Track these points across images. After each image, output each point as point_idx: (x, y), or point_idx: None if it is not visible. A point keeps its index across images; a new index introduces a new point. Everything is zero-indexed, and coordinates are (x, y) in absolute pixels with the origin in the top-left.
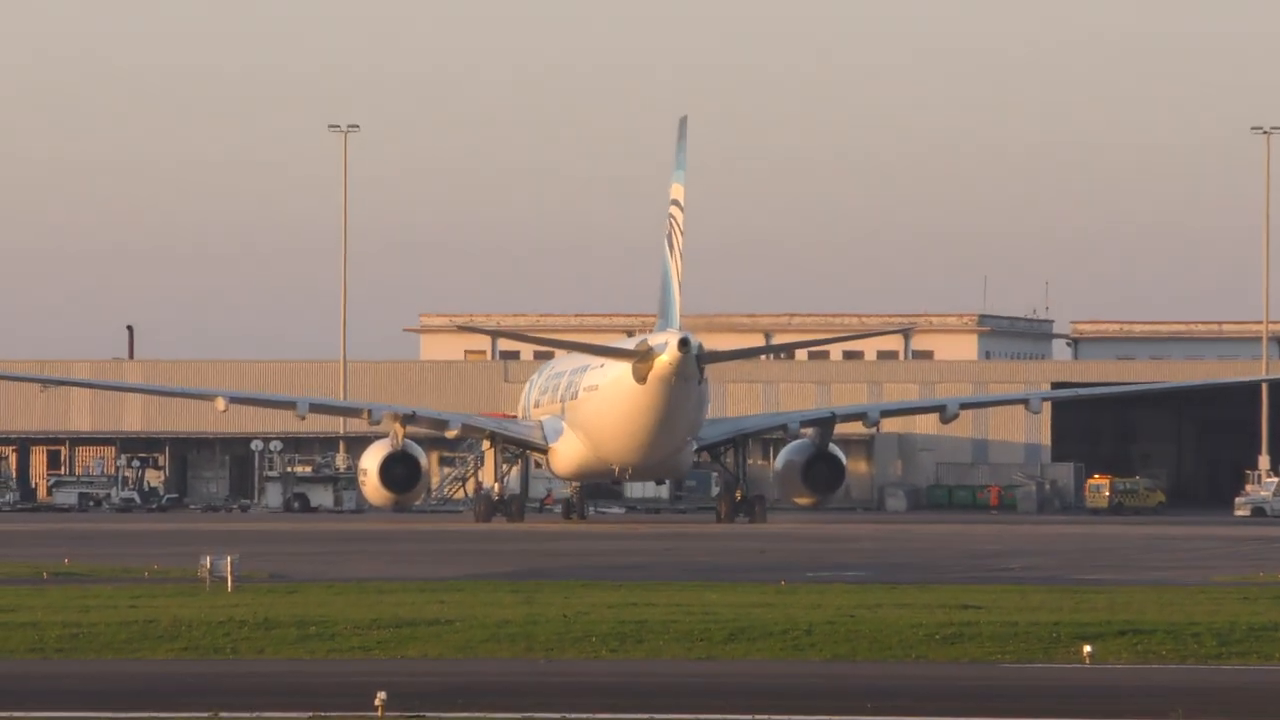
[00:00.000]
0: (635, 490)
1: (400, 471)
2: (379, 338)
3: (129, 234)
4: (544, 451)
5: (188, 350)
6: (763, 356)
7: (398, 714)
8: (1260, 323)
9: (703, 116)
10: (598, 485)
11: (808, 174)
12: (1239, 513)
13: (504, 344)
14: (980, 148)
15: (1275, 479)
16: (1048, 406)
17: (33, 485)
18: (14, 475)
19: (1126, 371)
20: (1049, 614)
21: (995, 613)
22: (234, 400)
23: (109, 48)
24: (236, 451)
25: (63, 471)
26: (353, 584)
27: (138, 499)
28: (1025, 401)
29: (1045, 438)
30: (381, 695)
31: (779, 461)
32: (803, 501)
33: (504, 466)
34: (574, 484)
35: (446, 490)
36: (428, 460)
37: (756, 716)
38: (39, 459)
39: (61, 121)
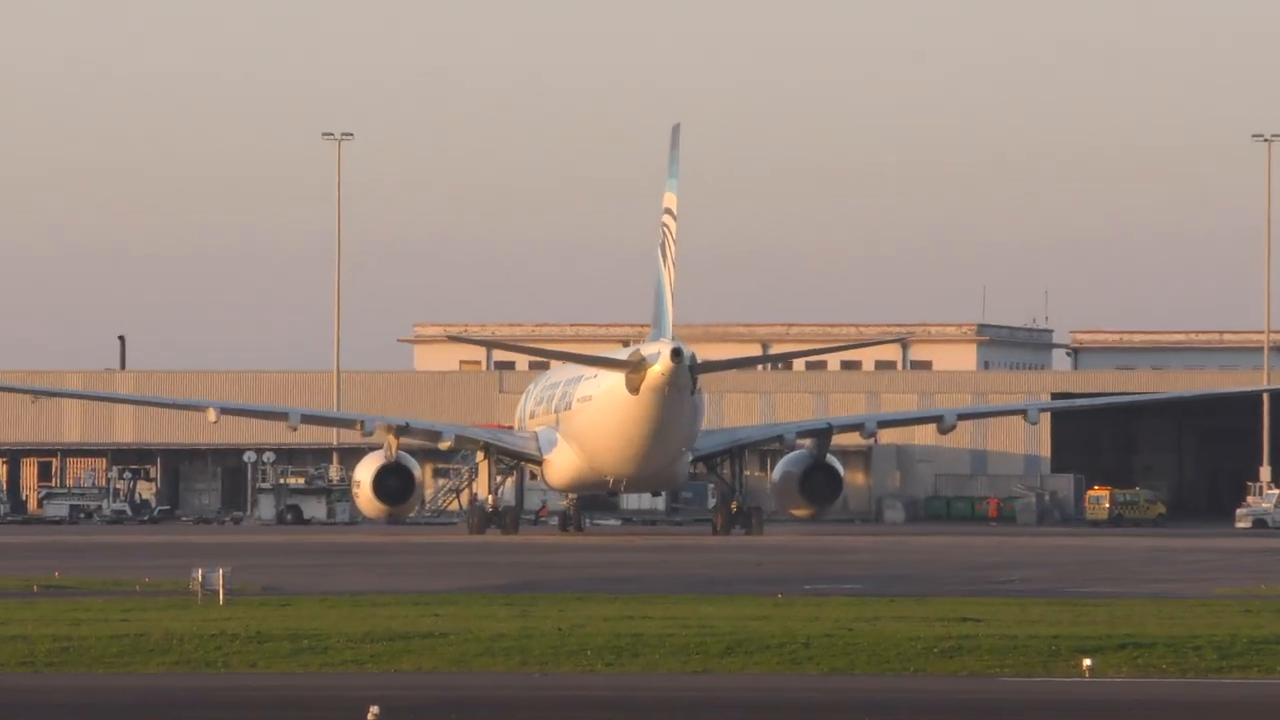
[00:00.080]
0: (631, 502)
1: (394, 483)
2: (373, 348)
3: (121, 243)
4: (539, 463)
5: (180, 361)
6: (760, 367)
7: None
8: (1261, 332)
9: (701, 125)
10: (593, 497)
11: (805, 183)
12: (1240, 524)
13: (499, 354)
14: (979, 156)
15: (1277, 491)
16: (1047, 417)
17: (23, 497)
18: (4, 487)
19: (1127, 382)
20: (1048, 627)
21: (994, 626)
22: (225, 411)
23: (101, 54)
24: (229, 463)
25: (53, 483)
26: (346, 597)
27: (129, 511)
28: (1023, 412)
29: (1045, 449)
30: (375, 709)
31: (776, 473)
32: (800, 513)
33: (498, 478)
34: (570, 496)
35: (441, 502)
36: (422, 472)
37: None
38: (30, 471)
39: (53, 128)
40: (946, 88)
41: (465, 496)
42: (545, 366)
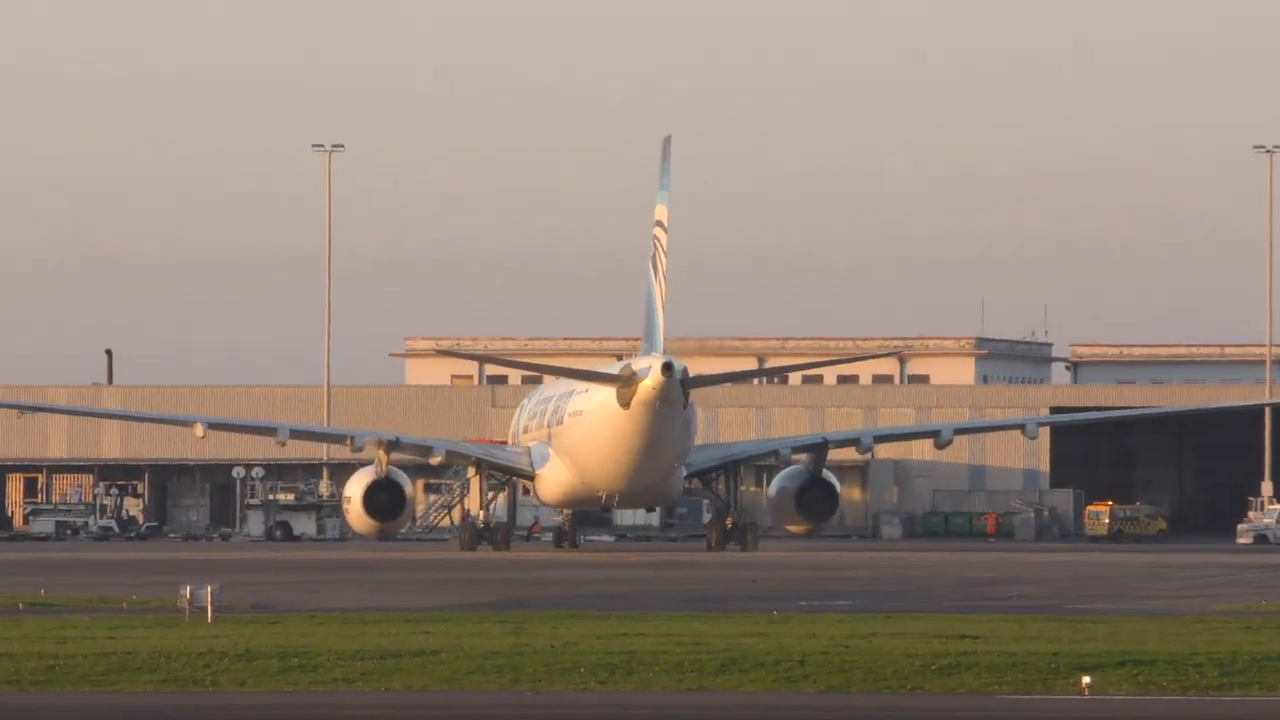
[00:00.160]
0: (625, 518)
1: (384, 499)
2: (364, 362)
3: (109, 256)
4: (531, 478)
5: (168, 375)
6: (755, 381)
7: None
8: (1263, 345)
9: (696, 138)
10: (587, 513)
11: (802, 196)
12: (1241, 540)
13: (491, 368)
14: (977, 168)
15: (1278, 506)
16: (1046, 432)
17: (9, 513)
18: None
19: (1126, 395)
20: (1047, 644)
21: (992, 643)
22: (213, 426)
23: (87, 65)
24: (217, 479)
25: (39, 499)
26: (336, 614)
27: (116, 528)
28: (1021, 427)
29: (1044, 464)
30: None
31: (773, 488)
32: (796, 529)
33: (490, 494)
34: (565, 512)
35: (432, 518)
36: (413, 487)
37: None
38: (15, 486)
39: (38, 139)
40: (945, 99)
41: (457, 512)
42: (539, 381)
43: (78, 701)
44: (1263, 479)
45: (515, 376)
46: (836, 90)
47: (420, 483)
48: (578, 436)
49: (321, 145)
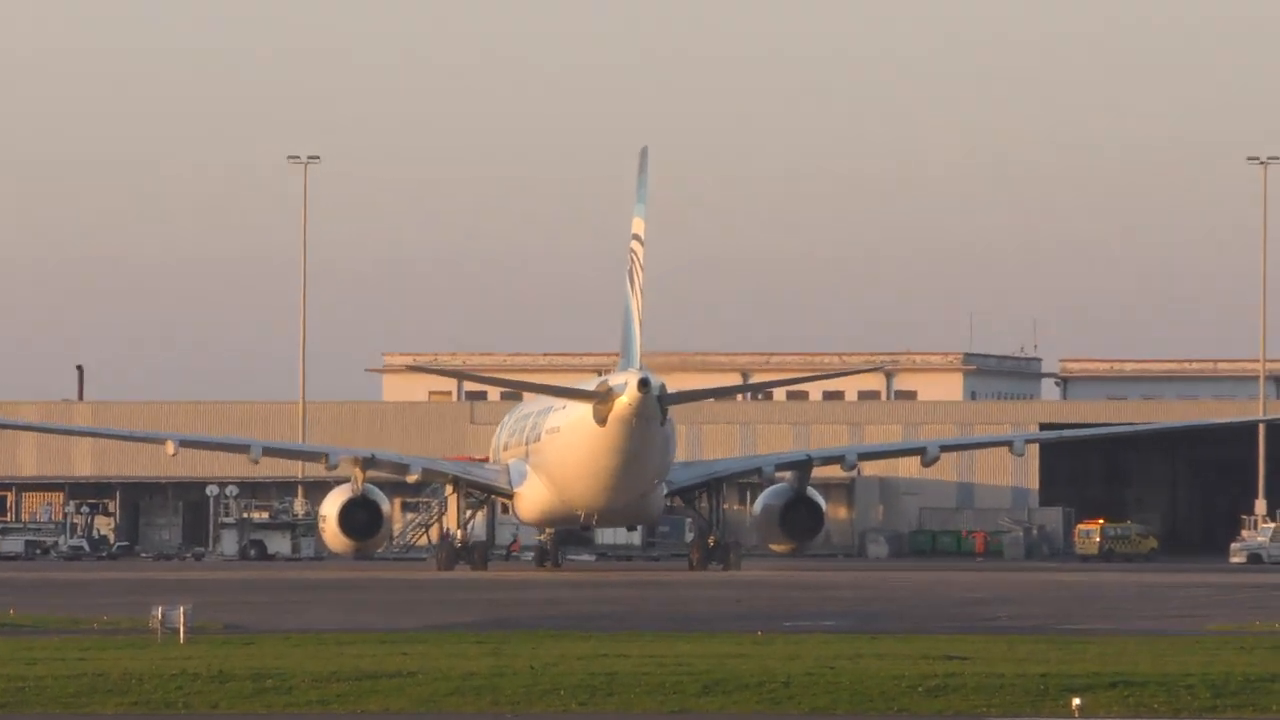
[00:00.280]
0: (606, 536)
1: (361, 517)
2: (341, 378)
3: (79, 270)
4: (510, 496)
5: (140, 391)
6: (739, 397)
7: None
8: (1257, 361)
9: (679, 150)
10: (567, 532)
11: (787, 209)
12: (1234, 559)
13: (471, 384)
14: (966, 181)
15: (1272, 524)
16: (1036, 449)
17: None
18: None
19: (1117, 412)
20: (1037, 665)
21: (981, 664)
22: (184, 444)
23: (59, 76)
24: (190, 497)
25: (8, 518)
26: (311, 635)
27: (87, 547)
28: (1009, 444)
29: (1033, 481)
30: None
31: (757, 506)
32: (780, 548)
33: (468, 512)
34: (548, 530)
35: (409, 537)
36: (390, 506)
37: None
38: None
39: (5, 151)
40: (933, 111)
41: (435, 531)
42: (519, 397)
43: None
44: (1256, 497)
45: (494, 392)
46: (822, 101)
47: (398, 501)
48: (555, 454)
49: (297, 157)
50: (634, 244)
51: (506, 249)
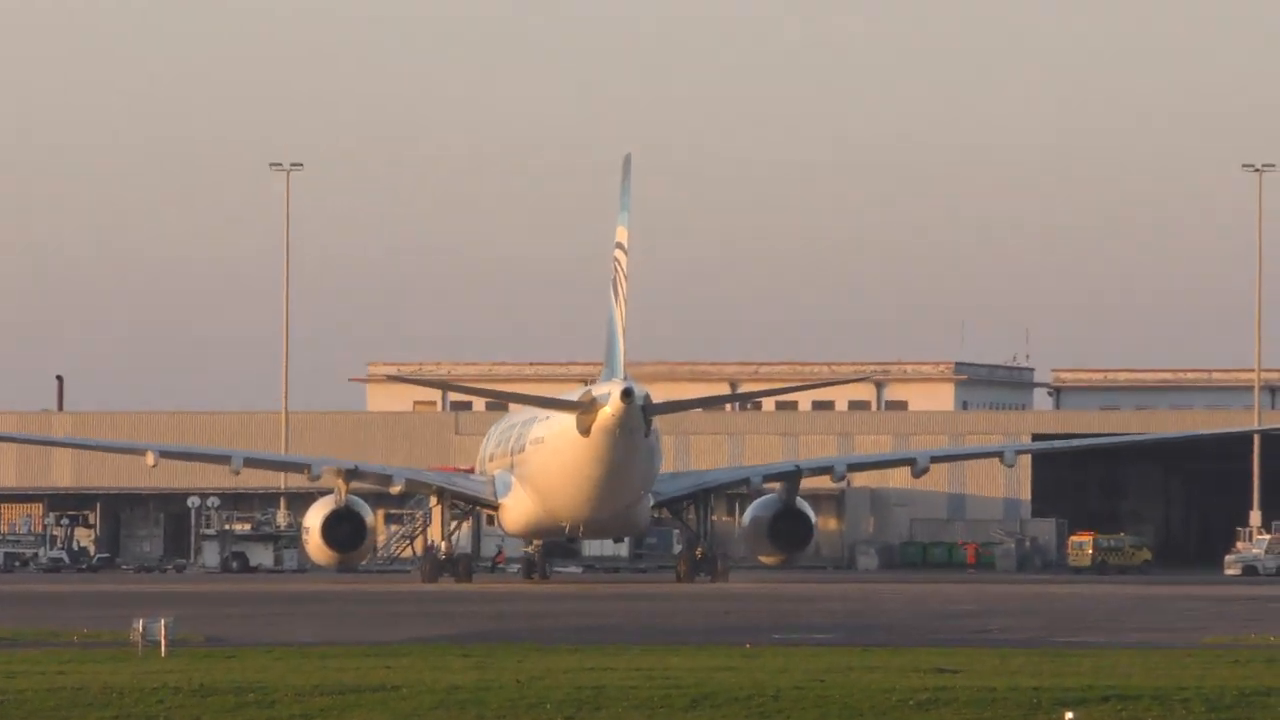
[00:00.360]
0: (593, 548)
1: (344, 530)
2: (324, 388)
3: (58, 278)
4: (495, 508)
5: (121, 401)
6: (728, 407)
7: None
8: (1252, 370)
9: (667, 159)
10: (554, 544)
11: (776, 217)
12: (1229, 571)
13: (456, 394)
14: (956, 189)
15: (1267, 536)
16: (1028, 459)
17: None
18: None
19: (1110, 422)
20: (1029, 678)
21: (973, 677)
22: (164, 455)
23: (35, 85)
24: (172, 509)
25: None
26: (294, 648)
27: (67, 559)
28: (999, 454)
29: (1025, 492)
30: None
31: (746, 517)
32: (769, 560)
33: (452, 524)
34: (536, 542)
35: (394, 549)
36: (374, 518)
37: None
38: None
39: None
40: (922, 118)
41: (420, 543)
42: (504, 407)
43: None
44: (1251, 508)
45: (479, 402)
46: (811, 110)
47: (381, 513)
48: (539, 465)
49: (280, 164)
50: (617, 252)
51: (493, 257)
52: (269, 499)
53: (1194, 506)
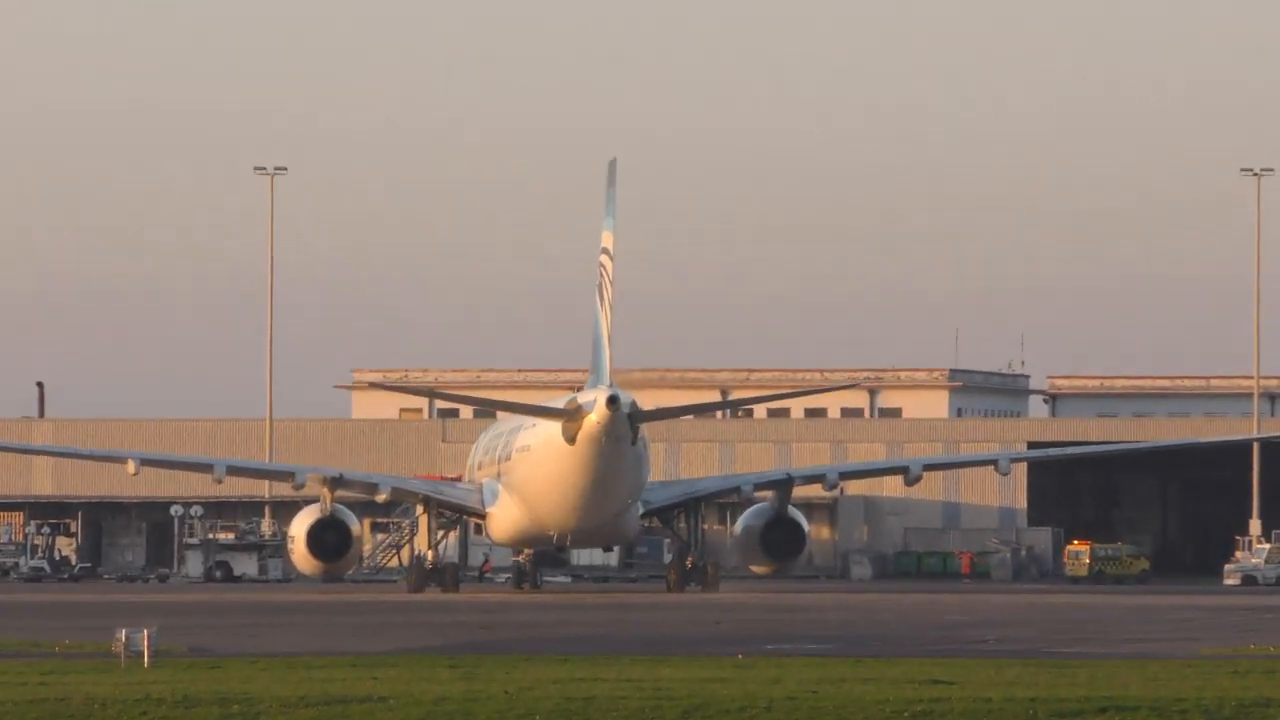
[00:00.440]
0: (582, 557)
1: (330, 538)
2: (309, 395)
3: (39, 284)
4: (482, 516)
5: (103, 408)
6: (719, 414)
7: None
8: (1250, 377)
9: (657, 163)
10: (542, 553)
11: (769, 222)
12: (1228, 581)
13: (443, 402)
14: (951, 194)
15: (1267, 545)
16: (1023, 468)
17: None
18: None
19: (1107, 430)
20: (1025, 689)
21: (968, 688)
22: (146, 463)
23: (15, 91)
24: (154, 517)
25: None
26: (279, 658)
27: (48, 568)
28: (994, 462)
29: (1021, 501)
30: None
31: (738, 526)
32: (761, 569)
33: (439, 533)
34: (526, 551)
35: (380, 558)
36: (360, 526)
37: None
38: None
39: None
40: (916, 124)
41: (406, 552)
42: (492, 415)
43: None
44: (1250, 517)
45: (468, 410)
46: (804, 116)
47: (367, 521)
48: (525, 473)
49: (263, 168)
50: (603, 258)
51: (480, 262)
52: (253, 507)
53: (1192, 515)
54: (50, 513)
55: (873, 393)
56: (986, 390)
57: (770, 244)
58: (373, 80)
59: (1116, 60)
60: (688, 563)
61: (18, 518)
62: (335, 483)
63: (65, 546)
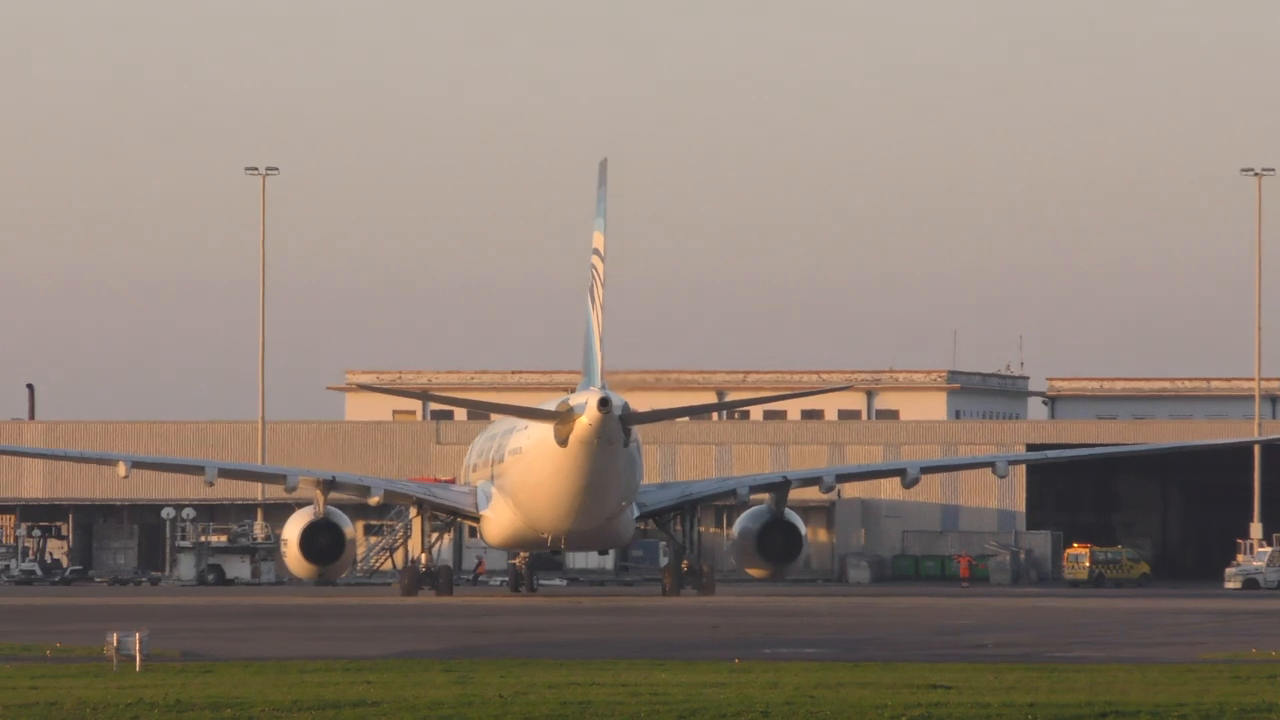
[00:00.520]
0: (578, 561)
1: (323, 541)
2: (301, 397)
3: (29, 285)
4: (476, 519)
5: (94, 410)
6: (715, 416)
7: None
8: (1251, 379)
9: (651, 165)
10: (538, 556)
11: (765, 223)
12: (1229, 585)
13: (436, 404)
14: (950, 195)
15: (1269, 548)
16: (1022, 470)
17: None
18: None
19: (1106, 432)
20: (1024, 694)
21: (966, 693)
22: (137, 465)
23: (9, 89)
24: (146, 520)
25: None
26: (272, 662)
27: (39, 571)
28: (992, 465)
29: (1020, 503)
30: None
31: (734, 529)
32: (758, 573)
33: (433, 535)
34: (522, 554)
35: (373, 561)
36: (353, 529)
37: None
38: None
39: None
40: (915, 123)
41: (400, 555)
42: (486, 417)
43: None
44: (1252, 520)
45: (462, 412)
46: (800, 117)
47: (361, 524)
48: (518, 476)
49: (255, 169)
50: (594, 259)
51: (474, 263)
52: (246, 510)
53: (1192, 518)
54: (41, 515)
55: (870, 395)
56: (985, 392)
57: (767, 245)
58: (365, 81)
59: (1116, 60)
60: (684, 566)
61: (9, 520)
62: (328, 485)
63: (56, 549)
